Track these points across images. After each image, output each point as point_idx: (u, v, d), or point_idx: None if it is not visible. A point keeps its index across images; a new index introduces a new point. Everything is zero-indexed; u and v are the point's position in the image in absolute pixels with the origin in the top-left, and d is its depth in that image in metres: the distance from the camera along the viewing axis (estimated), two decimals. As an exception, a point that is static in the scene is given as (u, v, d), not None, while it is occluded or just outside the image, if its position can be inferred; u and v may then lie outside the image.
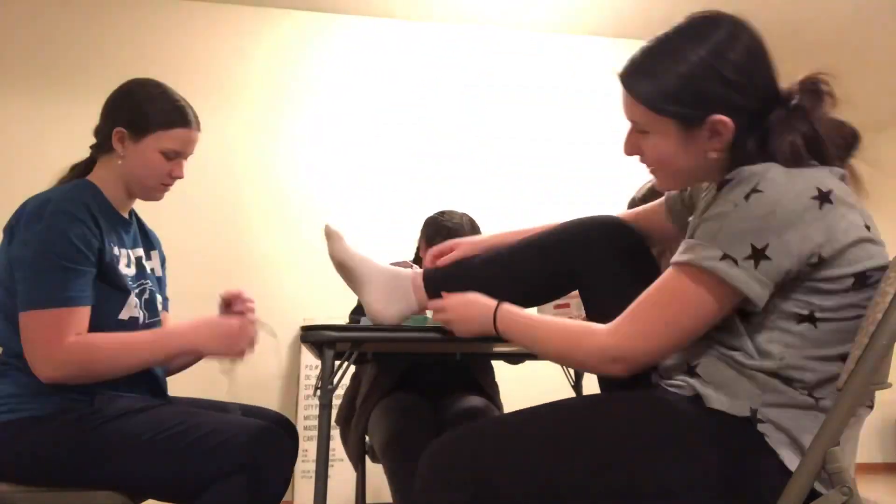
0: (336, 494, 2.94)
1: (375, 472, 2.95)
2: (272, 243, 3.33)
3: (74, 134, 3.10)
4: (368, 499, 2.22)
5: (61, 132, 3.16)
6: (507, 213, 3.55)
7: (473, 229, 2.00)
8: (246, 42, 3.52)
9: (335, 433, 3.05)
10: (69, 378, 1.15)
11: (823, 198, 0.86)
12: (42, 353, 1.13)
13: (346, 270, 1.21)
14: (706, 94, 0.92)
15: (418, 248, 2.11)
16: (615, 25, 3.77)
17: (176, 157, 1.34)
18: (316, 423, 3.06)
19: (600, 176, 3.70)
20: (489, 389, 2.05)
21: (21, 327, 1.15)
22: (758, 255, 0.84)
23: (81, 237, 1.18)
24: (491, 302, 1.08)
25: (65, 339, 1.13)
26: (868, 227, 0.89)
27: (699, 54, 0.93)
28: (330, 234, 1.22)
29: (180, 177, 1.36)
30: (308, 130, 3.50)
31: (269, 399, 3.19)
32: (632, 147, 1.03)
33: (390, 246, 3.36)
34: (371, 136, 3.55)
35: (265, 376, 3.22)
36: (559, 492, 0.88)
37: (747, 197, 0.85)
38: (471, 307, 1.10)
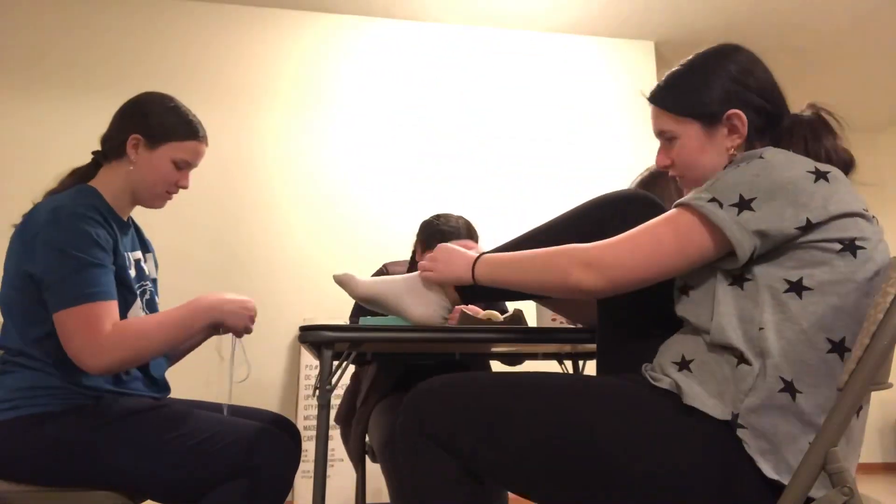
0: (336, 494, 2.94)
1: (375, 472, 2.96)
2: (271, 244, 3.33)
3: (77, 134, 3.12)
4: (368, 499, 2.22)
5: (65, 132, 3.16)
6: (507, 213, 3.55)
7: (470, 232, 1.99)
8: (241, 45, 3.52)
9: (335, 433, 3.05)
10: (120, 363, 1.18)
11: (820, 175, 0.91)
12: (87, 345, 1.16)
13: (375, 302, 1.22)
14: (722, 92, 1.04)
15: (414, 252, 2.11)
16: (615, 25, 3.77)
17: (185, 167, 1.40)
18: (315, 423, 3.06)
19: (600, 176, 3.70)
20: None
21: (58, 327, 1.18)
22: (743, 203, 0.89)
23: (102, 236, 1.23)
24: (475, 253, 1.12)
25: (104, 329, 1.17)
26: (866, 210, 0.93)
27: (717, 64, 1.07)
28: (342, 282, 1.23)
29: (185, 187, 1.42)
30: (307, 131, 3.50)
31: (269, 399, 3.19)
32: (662, 159, 1.11)
33: (390, 247, 3.36)
34: (370, 136, 3.55)
35: (265, 376, 3.21)
36: (526, 464, 0.90)
37: (748, 161, 0.94)
38: (455, 253, 1.14)
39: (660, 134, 1.10)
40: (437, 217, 2.02)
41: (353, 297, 1.23)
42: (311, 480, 3.23)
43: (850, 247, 0.88)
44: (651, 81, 3.86)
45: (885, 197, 4.95)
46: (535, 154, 3.70)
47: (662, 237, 0.93)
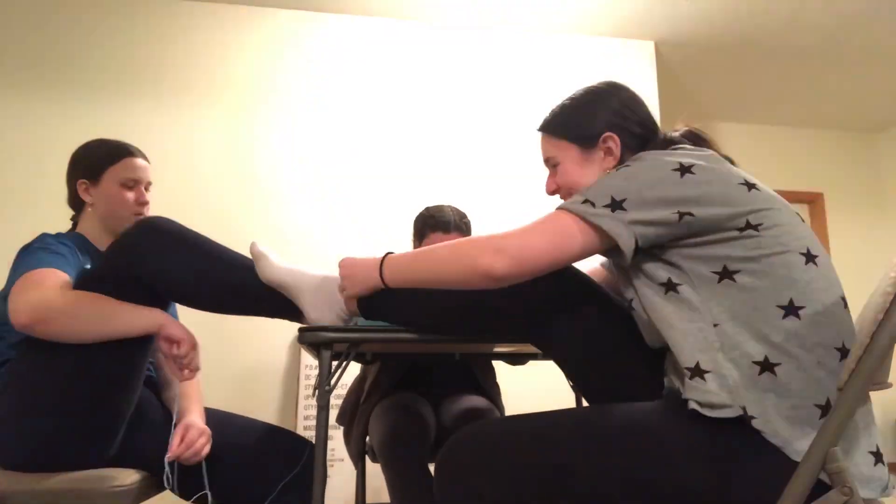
0: (336, 494, 2.94)
1: (375, 472, 2.95)
2: (270, 244, 3.33)
3: (69, 133, 3.12)
4: (368, 499, 2.21)
5: (56, 132, 3.16)
6: (508, 212, 3.55)
7: (461, 218, 2.01)
8: (233, 40, 3.52)
9: (335, 433, 3.05)
10: (37, 321, 1.17)
11: (685, 169, 0.96)
12: (14, 297, 1.19)
13: (280, 287, 1.23)
14: (600, 119, 1.14)
15: (414, 248, 2.11)
16: (615, 25, 3.77)
17: (135, 185, 1.52)
18: (315, 423, 3.06)
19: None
20: (490, 390, 2.05)
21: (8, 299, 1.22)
22: (615, 204, 0.95)
23: (63, 251, 1.34)
24: (378, 257, 1.14)
25: (40, 285, 1.20)
26: (745, 181, 0.97)
27: (599, 96, 1.17)
28: (256, 256, 1.24)
29: (146, 202, 1.53)
30: (305, 130, 3.50)
31: (269, 399, 3.19)
32: (550, 185, 1.20)
33: (390, 245, 3.37)
34: (370, 136, 3.55)
35: (265, 376, 3.21)
36: None
37: (616, 168, 1.01)
38: (358, 262, 1.15)
39: (546, 162, 1.19)
40: (428, 208, 2.04)
41: (260, 277, 1.23)
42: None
43: (748, 227, 0.92)
44: (651, 81, 3.87)
45: (885, 197, 4.95)
46: (535, 153, 3.70)
47: (556, 230, 0.97)
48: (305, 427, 3.08)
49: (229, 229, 3.30)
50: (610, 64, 3.87)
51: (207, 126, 3.34)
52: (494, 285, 1.00)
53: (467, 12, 3.65)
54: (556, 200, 3.58)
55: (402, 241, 3.41)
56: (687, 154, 0.99)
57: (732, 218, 0.93)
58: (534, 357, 1.76)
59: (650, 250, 0.98)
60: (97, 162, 1.51)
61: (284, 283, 1.22)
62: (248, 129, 3.43)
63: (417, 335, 1.21)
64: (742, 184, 0.96)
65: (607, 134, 1.12)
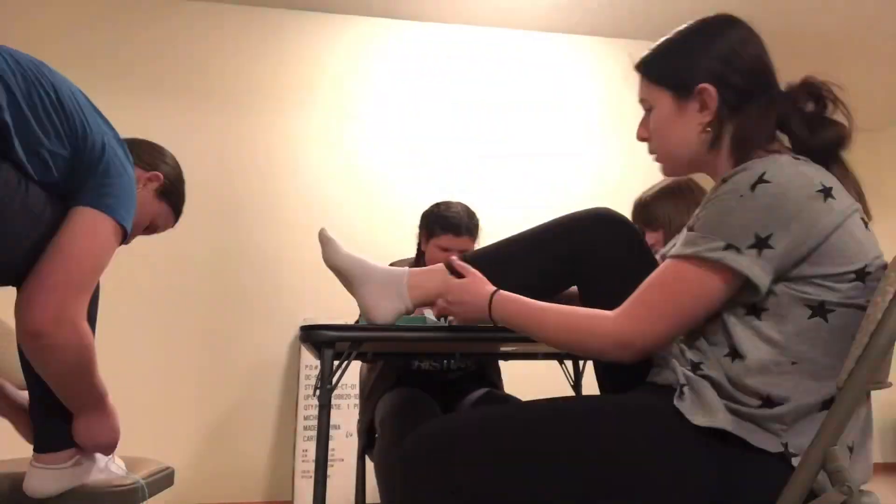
0: (336, 494, 2.94)
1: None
2: (272, 243, 3.33)
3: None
4: (368, 499, 2.21)
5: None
6: (508, 212, 3.55)
7: (471, 219, 2.01)
8: (247, 43, 3.52)
9: (335, 433, 3.05)
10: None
11: (826, 192, 0.86)
12: None
13: (342, 274, 1.22)
14: (700, 66, 1.01)
15: (419, 244, 2.11)
16: (615, 25, 3.77)
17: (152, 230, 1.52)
18: (316, 422, 3.06)
19: (599, 175, 3.70)
20: (497, 385, 2.06)
21: None
22: (761, 243, 0.84)
23: None
24: (488, 288, 1.09)
25: None
26: (857, 209, 0.91)
27: (705, 37, 1.04)
28: (323, 240, 1.23)
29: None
30: (307, 131, 3.50)
31: (269, 399, 3.19)
32: (641, 129, 1.09)
33: (393, 244, 3.36)
34: (370, 136, 3.55)
35: (265, 376, 3.21)
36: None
37: (753, 187, 0.86)
38: (465, 293, 1.11)
39: (641, 102, 1.09)
40: (438, 205, 2.05)
41: (324, 260, 1.22)
42: (311, 480, 3.24)
43: (860, 275, 0.86)
44: (651, 81, 3.87)
45: (885, 197, 4.94)
46: (536, 153, 3.70)
47: (684, 297, 0.88)
48: (305, 427, 3.08)
49: (237, 232, 3.31)
50: (610, 64, 3.87)
51: (215, 127, 3.34)
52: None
53: (467, 12, 3.64)
54: (557, 199, 3.59)
55: (408, 238, 3.41)
56: (819, 171, 0.90)
57: (856, 261, 0.86)
58: (533, 357, 1.76)
59: None
60: (176, 195, 1.50)
61: (346, 269, 1.20)
62: (248, 131, 3.43)
63: (418, 335, 1.21)
64: (862, 220, 0.90)
65: (703, 86, 0.99)
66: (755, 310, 0.88)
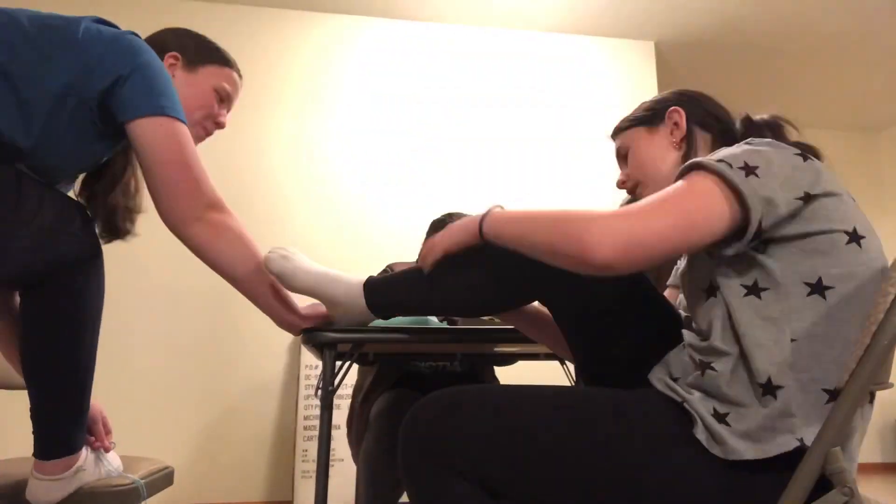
0: (336, 494, 2.94)
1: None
2: (271, 243, 3.33)
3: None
4: (369, 499, 2.22)
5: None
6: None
7: None
8: (247, 43, 3.52)
9: (335, 433, 3.05)
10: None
11: (805, 156, 0.91)
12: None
13: (310, 295, 1.18)
14: (662, 99, 1.16)
15: None
16: (615, 25, 3.77)
17: (226, 100, 1.38)
18: (316, 422, 3.07)
19: (599, 175, 3.70)
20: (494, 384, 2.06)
21: None
22: (748, 168, 0.86)
23: None
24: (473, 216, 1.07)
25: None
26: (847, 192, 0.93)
27: (670, 93, 1.18)
28: (276, 274, 1.17)
29: (223, 126, 1.39)
30: (307, 131, 3.50)
31: (269, 399, 3.19)
32: (620, 178, 1.20)
33: (393, 246, 3.37)
34: (371, 136, 3.56)
35: (265, 376, 3.22)
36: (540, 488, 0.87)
37: (738, 144, 0.94)
38: (465, 218, 1.08)
39: (617, 155, 1.21)
40: (449, 215, 2.06)
41: (288, 289, 1.18)
42: (311, 480, 3.24)
43: (853, 237, 0.86)
44: (651, 81, 3.87)
45: (885, 197, 4.95)
46: (536, 153, 3.70)
47: (688, 207, 0.84)
48: (305, 427, 3.08)
49: (251, 226, 3.31)
50: (610, 64, 3.88)
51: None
52: (592, 272, 0.85)
53: (467, 12, 3.65)
54: (558, 199, 3.59)
55: (408, 245, 3.40)
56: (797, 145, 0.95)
57: (844, 219, 0.86)
58: (534, 357, 1.76)
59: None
60: (204, 51, 1.34)
61: (310, 292, 1.17)
62: (248, 131, 3.43)
63: (418, 335, 1.21)
64: (846, 194, 0.91)
65: (673, 108, 1.13)
66: (755, 289, 0.87)
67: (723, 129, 1.11)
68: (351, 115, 3.55)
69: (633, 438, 0.87)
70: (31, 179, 1.05)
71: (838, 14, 3.59)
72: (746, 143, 0.92)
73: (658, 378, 0.96)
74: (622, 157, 1.19)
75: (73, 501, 1.18)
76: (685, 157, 1.09)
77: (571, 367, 1.83)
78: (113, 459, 1.30)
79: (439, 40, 3.73)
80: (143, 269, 3.13)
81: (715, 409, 0.87)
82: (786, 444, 0.82)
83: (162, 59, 1.24)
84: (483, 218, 1.02)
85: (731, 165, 0.86)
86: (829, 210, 0.86)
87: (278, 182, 3.41)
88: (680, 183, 0.89)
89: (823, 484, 0.80)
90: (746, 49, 3.90)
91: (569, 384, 1.88)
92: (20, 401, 1.52)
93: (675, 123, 1.11)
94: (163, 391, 3.09)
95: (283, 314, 1.22)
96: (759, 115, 1.11)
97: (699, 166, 0.89)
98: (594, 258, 0.82)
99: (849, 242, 0.86)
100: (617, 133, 1.21)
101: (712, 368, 0.89)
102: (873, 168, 5.06)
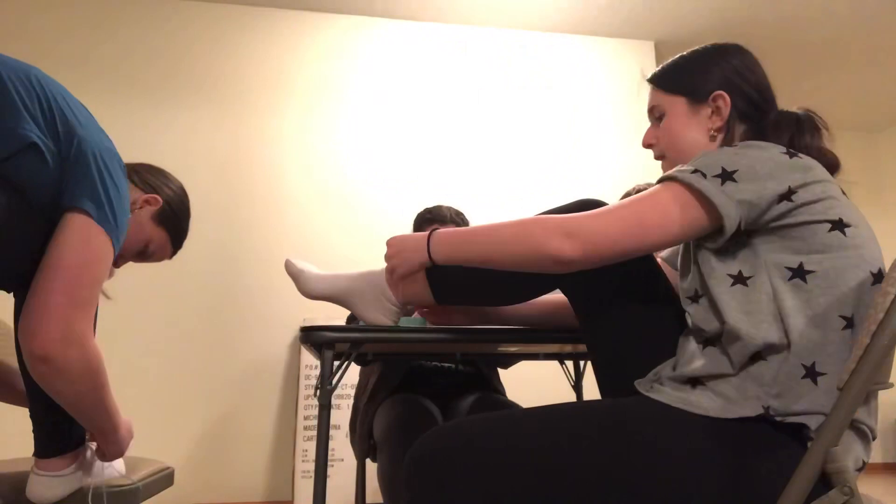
0: (336, 494, 2.94)
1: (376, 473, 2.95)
2: (271, 243, 3.33)
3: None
4: (368, 499, 2.22)
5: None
6: (508, 212, 3.55)
7: (459, 216, 2.07)
8: (255, 44, 3.52)
9: (335, 433, 3.05)
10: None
11: (794, 154, 0.92)
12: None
13: (327, 299, 1.21)
14: (712, 72, 1.08)
15: None
16: (615, 25, 3.77)
17: (147, 258, 1.45)
18: (316, 422, 3.06)
19: (599, 175, 3.70)
20: (497, 387, 2.05)
21: None
22: (726, 174, 0.89)
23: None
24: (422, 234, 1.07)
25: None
26: (843, 192, 0.95)
27: (719, 55, 1.10)
28: (293, 274, 1.20)
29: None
30: (308, 132, 3.50)
31: (269, 399, 3.19)
32: (648, 137, 1.14)
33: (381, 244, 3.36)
34: (372, 136, 3.56)
35: (265, 376, 3.21)
36: None
37: (722, 147, 0.95)
38: (407, 239, 1.09)
39: (651, 111, 1.14)
40: (426, 208, 2.10)
41: (303, 294, 1.20)
42: (311, 480, 3.24)
43: (838, 225, 0.89)
44: (651, 81, 3.86)
45: (885, 197, 4.95)
46: (536, 153, 3.70)
47: (644, 210, 0.91)
48: (305, 427, 3.08)
49: (236, 232, 3.31)
50: (610, 64, 3.87)
51: (214, 127, 3.34)
52: (564, 270, 0.92)
53: (467, 12, 3.65)
54: (557, 199, 3.59)
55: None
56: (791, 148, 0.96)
57: (829, 221, 0.89)
58: (534, 357, 1.76)
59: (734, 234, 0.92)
60: (179, 231, 1.47)
61: (329, 295, 1.19)
62: (248, 132, 3.43)
63: (418, 336, 1.21)
64: (836, 186, 0.94)
65: (718, 92, 1.06)
66: (741, 279, 0.91)
67: (759, 120, 1.07)
68: (358, 115, 3.55)
69: (637, 449, 0.86)
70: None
71: (838, 14, 3.59)
72: (734, 146, 0.95)
73: (644, 383, 0.97)
74: (656, 116, 1.13)
75: (73, 501, 1.18)
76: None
77: (571, 366, 1.83)
78: (116, 466, 1.30)
79: (439, 41, 3.73)
80: (142, 270, 3.13)
81: (694, 379, 0.91)
82: (753, 409, 0.85)
83: (147, 191, 1.37)
84: (429, 243, 1.04)
85: (705, 175, 0.90)
86: (813, 204, 0.89)
87: (286, 181, 3.41)
88: (646, 193, 0.94)
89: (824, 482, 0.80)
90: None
91: (569, 384, 1.88)
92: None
93: (718, 108, 1.06)
94: (163, 392, 3.09)
95: (115, 432, 1.20)
96: (793, 109, 1.09)
97: (671, 179, 0.93)
98: (559, 261, 0.91)
99: (831, 230, 0.89)
100: (658, 85, 1.13)
101: (710, 346, 0.92)
102: (873, 168, 5.06)
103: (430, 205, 2.17)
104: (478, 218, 2.15)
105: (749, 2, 3.52)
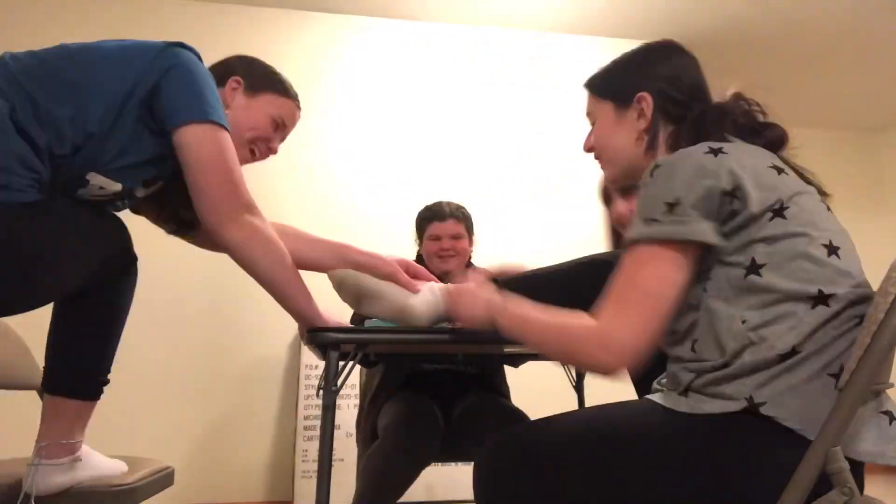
0: (336, 494, 2.94)
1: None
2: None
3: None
4: (369, 499, 2.22)
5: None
6: (508, 212, 3.55)
7: (459, 211, 2.06)
8: (243, 42, 3.52)
9: (337, 433, 3.05)
10: None
11: (716, 151, 0.94)
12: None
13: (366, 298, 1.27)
14: (635, 76, 1.11)
15: (418, 250, 2.12)
16: (615, 25, 3.77)
17: (281, 128, 1.43)
18: (315, 423, 3.07)
19: (598, 175, 3.70)
20: (501, 388, 2.06)
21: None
22: (670, 206, 0.91)
23: None
24: (496, 297, 1.09)
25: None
26: (773, 166, 0.96)
27: (648, 57, 1.14)
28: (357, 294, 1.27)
29: (275, 152, 1.45)
30: (305, 130, 3.50)
31: (269, 398, 3.20)
32: (587, 142, 1.19)
33: (390, 246, 3.36)
34: (370, 136, 3.56)
35: (265, 376, 3.22)
36: None
37: (651, 173, 0.96)
38: (477, 298, 1.12)
39: (588, 117, 1.19)
40: (426, 206, 2.10)
41: (361, 314, 1.26)
42: (312, 480, 3.24)
43: (778, 212, 0.91)
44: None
45: (885, 197, 4.95)
46: (535, 153, 3.70)
47: (644, 282, 0.91)
48: (305, 427, 3.08)
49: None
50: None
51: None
52: (611, 378, 0.95)
53: (467, 12, 3.65)
54: (558, 199, 3.59)
55: (402, 243, 3.41)
56: (711, 142, 0.97)
57: (769, 209, 0.90)
58: (536, 357, 1.77)
59: None
60: (266, 79, 1.42)
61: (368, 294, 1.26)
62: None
63: (422, 336, 1.21)
64: (772, 167, 0.95)
65: (640, 94, 1.08)
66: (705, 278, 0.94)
67: (688, 117, 1.08)
68: (348, 114, 3.55)
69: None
70: (83, 204, 1.17)
71: (838, 14, 3.59)
72: (656, 169, 0.95)
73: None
74: (591, 122, 1.18)
75: (73, 501, 1.18)
76: (646, 153, 1.09)
77: (572, 367, 1.84)
78: (114, 462, 1.31)
79: (439, 41, 3.73)
80: (143, 271, 3.13)
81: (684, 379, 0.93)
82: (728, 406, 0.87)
83: (226, 81, 1.34)
84: (496, 314, 1.07)
85: (657, 220, 0.92)
86: (748, 196, 0.90)
87: (273, 180, 3.41)
88: (628, 262, 0.94)
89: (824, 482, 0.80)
90: (746, 49, 3.90)
91: (569, 384, 1.88)
92: (20, 401, 1.52)
93: (642, 111, 1.09)
94: (163, 391, 3.09)
95: (314, 318, 1.27)
96: (721, 99, 1.11)
97: (634, 243, 0.94)
98: (600, 371, 0.92)
99: (772, 219, 0.91)
100: (590, 91, 1.18)
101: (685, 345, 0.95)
102: (873, 168, 5.06)
103: (430, 203, 2.16)
104: (480, 221, 2.13)
105: (749, 2, 3.52)
